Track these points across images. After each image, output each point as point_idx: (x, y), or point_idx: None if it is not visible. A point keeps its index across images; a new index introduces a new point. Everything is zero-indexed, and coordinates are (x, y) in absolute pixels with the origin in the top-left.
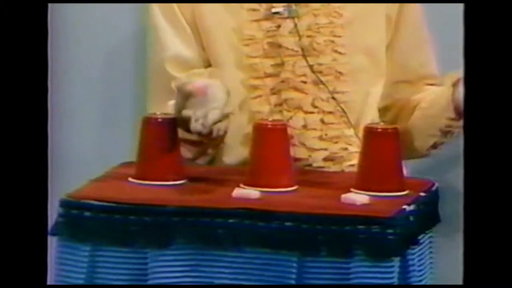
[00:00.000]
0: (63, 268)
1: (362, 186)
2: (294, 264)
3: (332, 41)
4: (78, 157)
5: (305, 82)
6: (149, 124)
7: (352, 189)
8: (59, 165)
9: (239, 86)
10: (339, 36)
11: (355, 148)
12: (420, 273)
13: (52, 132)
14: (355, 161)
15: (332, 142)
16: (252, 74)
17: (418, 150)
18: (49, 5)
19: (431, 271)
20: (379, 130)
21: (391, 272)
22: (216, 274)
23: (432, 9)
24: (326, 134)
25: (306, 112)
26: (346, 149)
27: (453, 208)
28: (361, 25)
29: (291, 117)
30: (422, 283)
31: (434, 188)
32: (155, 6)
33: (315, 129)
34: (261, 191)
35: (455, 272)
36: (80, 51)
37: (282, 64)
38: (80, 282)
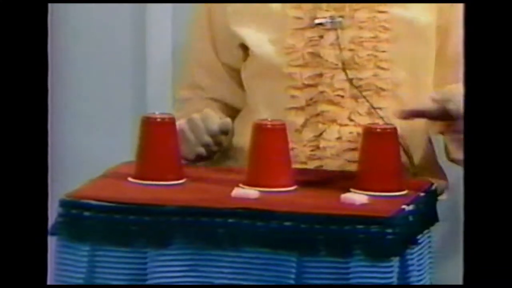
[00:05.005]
0: (63, 268)
1: (362, 186)
2: (293, 264)
3: (375, 56)
4: (78, 157)
5: (342, 96)
6: (148, 124)
7: (351, 189)
8: (59, 165)
9: (276, 96)
10: (383, 51)
11: None
12: (419, 273)
13: (52, 132)
14: None
15: None
16: (290, 84)
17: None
18: (49, 5)
19: (430, 271)
20: (379, 130)
21: (390, 272)
22: (215, 274)
23: None
24: None
25: (341, 125)
26: None
27: (453, 208)
28: (409, 39)
29: (325, 130)
30: (422, 283)
31: (433, 188)
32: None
33: (350, 141)
34: (260, 191)
35: (455, 272)
36: (80, 51)
37: (320, 76)
38: (80, 282)
